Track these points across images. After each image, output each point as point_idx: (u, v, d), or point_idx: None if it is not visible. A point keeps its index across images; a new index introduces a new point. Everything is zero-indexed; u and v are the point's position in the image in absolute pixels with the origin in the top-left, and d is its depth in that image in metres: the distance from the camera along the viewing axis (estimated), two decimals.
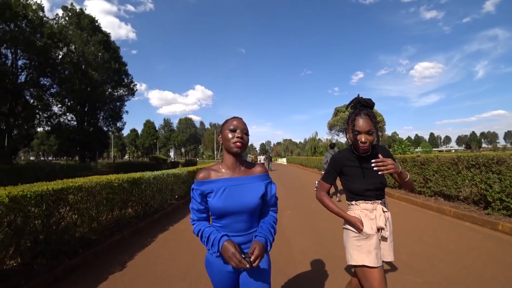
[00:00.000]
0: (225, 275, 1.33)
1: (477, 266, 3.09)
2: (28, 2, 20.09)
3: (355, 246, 1.61)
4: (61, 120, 24.70)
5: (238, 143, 1.30)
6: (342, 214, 1.67)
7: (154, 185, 6.00)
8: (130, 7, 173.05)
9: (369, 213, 1.63)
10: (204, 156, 79.01)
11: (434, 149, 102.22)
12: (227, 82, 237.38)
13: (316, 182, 9.62)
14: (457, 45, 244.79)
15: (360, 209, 1.65)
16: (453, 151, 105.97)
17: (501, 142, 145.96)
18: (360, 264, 1.57)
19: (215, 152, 63.34)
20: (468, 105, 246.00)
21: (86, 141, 25.95)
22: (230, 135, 1.32)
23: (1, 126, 19.30)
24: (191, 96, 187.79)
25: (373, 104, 1.64)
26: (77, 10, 26.13)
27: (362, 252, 1.58)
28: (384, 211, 1.62)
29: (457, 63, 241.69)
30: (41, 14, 20.96)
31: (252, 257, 1.18)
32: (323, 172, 9.55)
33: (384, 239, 1.63)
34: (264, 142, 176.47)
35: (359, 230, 1.58)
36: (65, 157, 47.34)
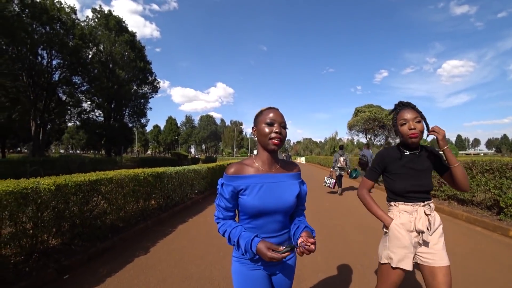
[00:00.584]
0: (259, 280, 1.23)
1: (478, 268, 3.17)
2: (62, 5, 21.49)
3: (388, 246, 1.58)
4: (90, 116, 26.30)
5: (275, 140, 1.19)
6: (380, 214, 1.64)
7: (176, 180, 6.42)
8: (155, 6, 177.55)
9: (409, 215, 1.57)
10: (224, 153, 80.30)
11: (461, 152, 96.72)
12: (248, 79, 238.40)
13: (326, 178, 9.28)
14: (490, 42, 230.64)
15: (399, 211, 1.60)
16: (482, 154, 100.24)
17: None
18: (384, 261, 1.58)
19: (235, 150, 64.21)
20: (501, 106, 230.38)
21: (112, 136, 27.45)
22: (267, 130, 1.20)
23: (37, 121, 20.83)
24: (212, 93, 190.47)
25: (414, 105, 1.63)
26: (106, 12, 27.63)
27: (392, 251, 1.55)
28: (427, 214, 1.54)
29: (490, 61, 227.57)
30: (73, 17, 22.37)
31: (310, 241, 1.10)
32: (331, 170, 9.64)
33: (425, 243, 1.54)
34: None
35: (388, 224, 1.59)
36: (91, 151, 50.05)
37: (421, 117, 1.54)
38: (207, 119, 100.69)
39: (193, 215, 6.05)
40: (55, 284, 2.84)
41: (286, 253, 1.06)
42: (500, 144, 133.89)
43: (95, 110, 26.69)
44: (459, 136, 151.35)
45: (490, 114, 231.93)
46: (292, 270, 1.34)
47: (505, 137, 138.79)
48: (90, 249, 3.55)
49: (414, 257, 1.55)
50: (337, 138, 46.05)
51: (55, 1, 21.32)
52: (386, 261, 1.56)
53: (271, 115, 1.22)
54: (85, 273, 3.09)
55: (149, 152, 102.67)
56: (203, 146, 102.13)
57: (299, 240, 1.14)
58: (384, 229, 1.66)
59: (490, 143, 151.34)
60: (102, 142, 28.41)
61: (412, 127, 1.51)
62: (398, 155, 1.63)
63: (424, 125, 1.55)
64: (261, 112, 1.28)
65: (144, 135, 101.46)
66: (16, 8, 18.72)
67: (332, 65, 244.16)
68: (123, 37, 26.92)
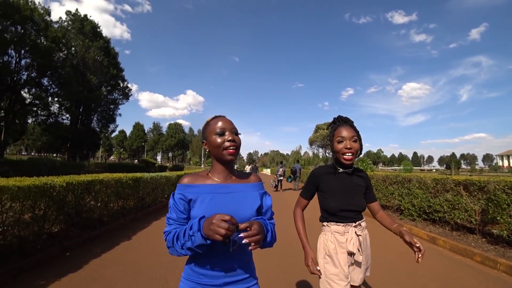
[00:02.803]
0: None
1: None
2: (35, 6, 21.35)
3: (324, 275, 1.53)
4: (58, 119, 25.69)
5: (230, 149, 1.09)
6: (304, 243, 1.55)
7: (150, 185, 7.42)
8: (128, 7, 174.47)
9: (340, 236, 1.54)
10: (191, 162, 79.83)
11: (416, 167, 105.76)
12: (219, 89, 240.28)
13: (271, 181, 14.91)
14: (443, 69, 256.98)
15: (331, 231, 1.57)
16: (434, 170, 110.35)
17: (480, 164, 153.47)
18: None
19: (203, 159, 64.53)
20: (452, 127, 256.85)
21: (78, 140, 26.91)
22: (219, 140, 1.09)
23: (0, 122, 20.16)
24: (181, 100, 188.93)
25: (352, 122, 1.61)
26: (81, 16, 27.53)
27: (336, 281, 1.48)
28: (358, 234, 1.52)
29: (442, 86, 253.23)
30: (47, 18, 22.23)
31: (244, 225, 0.93)
32: (275, 176, 14.10)
33: (357, 263, 1.55)
34: (252, 152, 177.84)
35: (308, 268, 1.47)
36: (53, 154, 47.52)
37: (357, 136, 1.53)
38: (176, 127, 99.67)
39: (164, 214, 7.04)
40: (60, 259, 3.79)
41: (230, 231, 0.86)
42: (449, 161, 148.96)
43: (63, 114, 26.17)
44: (415, 153, 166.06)
45: (442, 133, 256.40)
46: None
47: (453, 155, 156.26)
48: (84, 235, 4.51)
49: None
50: (301, 151, 48.76)
51: (28, 1, 21.15)
52: None
53: (219, 123, 1.12)
54: (83, 251, 4.07)
55: (112, 157, 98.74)
56: (170, 154, 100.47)
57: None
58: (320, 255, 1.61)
59: (442, 160, 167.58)
60: (68, 145, 27.70)
61: (349, 146, 1.49)
62: (332, 173, 1.60)
63: (359, 145, 1.53)
64: (208, 124, 1.17)
65: (109, 140, 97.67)
66: None
67: (302, 80, 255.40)
68: (97, 42, 26.99)
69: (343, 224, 1.54)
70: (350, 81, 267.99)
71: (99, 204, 5.13)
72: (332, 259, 1.53)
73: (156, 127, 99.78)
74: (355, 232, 1.53)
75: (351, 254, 1.53)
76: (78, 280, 3.12)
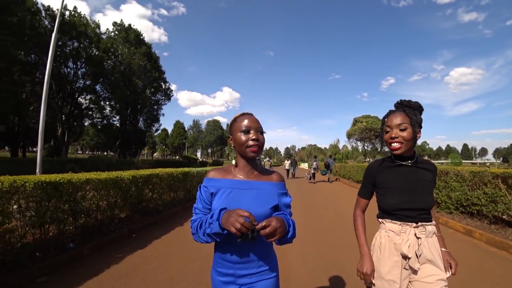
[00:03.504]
0: None
1: None
2: (87, 21, 23.87)
3: (377, 275, 1.38)
4: (111, 121, 28.71)
5: (254, 148, 1.14)
6: (362, 249, 1.42)
7: (196, 178, 8.20)
8: (164, 11, 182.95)
9: (395, 236, 1.37)
10: (230, 157, 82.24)
11: (466, 161, 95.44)
12: (254, 84, 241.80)
13: (306, 174, 15.89)
14: (499, 50, 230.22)
15: (386, 229, 1.42)
16: (488, 164, 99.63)
17: None
18: None
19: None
20: (510, 115, 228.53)
21: (128, 139, 29.64)
22: (243, 138, 1.14)
23: (64, 125, 23.09)
24: (218, 97, 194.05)
25: (418, 106, 1.41)
26: (126, 26, 30.03)
27: (382, 283, 1.35)
28: (417, 237, 1.32)
29: (498, 69, 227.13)
30: (97, 31, 24.72)
31: (264, 223, 0.96)
32: (309, 169, 14.98)
33: (413, 271, 1.32)
34: (289, 146, 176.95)
35: (360, 274, 1.38)
36: (104, 152, 52.57)
37: (410, 123, 1.34)
38: (214, 124, 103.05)
39: None
40: (129, 239, 4.58)
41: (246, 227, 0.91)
42: (507, 154, 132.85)
43: (114, 116, 29.04)
44: (465, 145, 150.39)
45: (499, 123, 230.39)
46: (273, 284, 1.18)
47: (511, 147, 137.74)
48: (145, 221, 5.32)
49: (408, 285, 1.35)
50: (339, 145, 47.60)
51: (81, 17, 23.67)
52: None
53: (246, 122, 1.16)
54: (145, 234, 4.84)
55: (155, 154, 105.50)
56: (209, 150, 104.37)
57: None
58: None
59: (498, 153, 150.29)
60: (118, 144, 30.68)
61: (393, 135, 1.35)
62: (389, 166, 1.45)
63: (412, 134, 1.33)
64: (235, 120, 1.21)
65: (152, 138, 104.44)
66: (48, 25, 21.06)
67: (339, 71, 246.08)
68: (141, 49, 29.32)
69: (400, 222, 1.37)
70: (391, 70, 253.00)
71: (155, 195, 5.93)
72: (382, 261, 1.37)
73: (196, 124, 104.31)
74: (415, 234, 1.33)
75: (405, 257, 1.33)
76: (146, 255, 3.82)
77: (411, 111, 1.37)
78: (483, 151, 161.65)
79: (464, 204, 5.50)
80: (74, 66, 23.29)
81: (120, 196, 4.78)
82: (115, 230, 4.59)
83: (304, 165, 57.05)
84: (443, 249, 1.38)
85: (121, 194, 4.77)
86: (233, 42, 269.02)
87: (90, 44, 23.40)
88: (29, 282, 2.88)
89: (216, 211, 1.03)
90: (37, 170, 6.78)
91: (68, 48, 21.58)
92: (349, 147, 45.24)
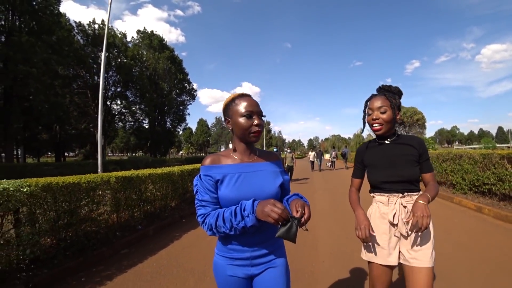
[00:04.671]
0: (236, 283, 1.14)
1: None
2: (115, 32, 25.63)
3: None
4: (142, 124, 30.85)
5: (257, 133, 1.12)
6: (356, 213, 1.54)
7: None
8: (179, 12, 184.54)
9: (383, 206, 1.51)
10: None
11: (502, 145, 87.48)
12: (274, 78, 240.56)
13: (327, 163, 18.29)
14: None
15: (376, 202, 1.57)
16: None
17: None
18: (367, 260, 1.52)
19: (264, 148, 66.93)
20: None
21: (157, 139, 31.58)
22: (246, 123, 1.10)
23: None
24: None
25: (398, 91, 1.56)
26: (149, 32, 31.71)
27: (371, 248, 1.49)
28: (404, 206, 1.45)
29: None
30: (124, 40, 26.47)
31: (299, 214, 0.97)
32: (328, 158, 17.92)
33: (403, 237, 1.44)
34: (312, 138, 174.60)
35: (358, 235, 1.45)
36: (134, 153, 55.98)
37: (390, 106, 1.46)
38: None
39: None
40: (180, 223, 5.44)
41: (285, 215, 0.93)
42: None
43: (144, 119, 31.09)
44: (500, 128, 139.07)
45: None
46: (279, 279, 1.16)
47: None
48: (191, 208, 6.25)
49: (399, 253, 1.46)
50: (363, 134, 46.92)
51: (109, 29, 25.44)
52: (363, 257, 1.55)
53: (247, 105, 1.11)
54: (192, 220, 5.65)
55: (181, 152, 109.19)
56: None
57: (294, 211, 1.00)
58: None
59: None
60: (148, 144, 32.79)
61: (374, 117, 1.47)
62: (373, 146, 1.60)
63: (391, 116, 1.46)
64: (233, 102, 1.15)
65: (177, 137, 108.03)
66: (80, 40, 22.98)
67: (360, 58, 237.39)
68: (164, 53, 30.89)
69: (387, 194, 1.50)
70: (415, 52, 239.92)
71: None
72: (374, 230, 1.49)
73: (219, 121, 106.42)
74: (401, 203, 1.46)
75: (393, 225, 1.47)
76: (199, 234, 4.67)
77: (391, 95, 1.51)
78: None
79: (476, 184, 5.92)
80: (106, 75, 25.25)
81: (171, 188, 5.74)
82: (169, 216, 5.55)
83: (327, 157, 56.85)
84: (419, 200, 1.32)
85: (172, 186, 5.73)
86: (250, 36, 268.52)
87: (118, 53, 25.18)
88: (116, 253, 3.83)
89: (248, 204, 0.99)
90: (99, 170, 7.98)
91: (100, 59, 23.44)
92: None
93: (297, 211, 0.97)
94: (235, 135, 1.17)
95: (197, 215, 1.11)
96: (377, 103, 1.47)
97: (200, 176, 1.13)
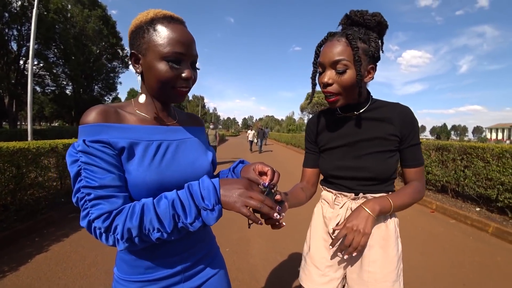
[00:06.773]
0: None
1: None
2: None
3: (303, 257, 1.09)
4: (65, 89, 27.21)
5: (185, 89, 0.71)
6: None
7: None
8: None
9: (328, 208, 1.03)
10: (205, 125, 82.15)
11: None
12: (213, 53, 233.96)
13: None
14: (446, 37, 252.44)
15: (321, 199, 1.09)
16: (425, 139, 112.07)
17: (470, 136, 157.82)
18: (300, 282, 1.06)
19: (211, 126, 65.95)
20: (449, 98, 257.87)
21: (83, 108, 28.47)
22: (170, 73, 0.67)
23: (12, 94, 21.70)
24: None
25: (377, 22, 0.92)
26: None
27: (306, 266, 1.06)
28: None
29: (444, 55, 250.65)
30: None
31: (274, 180, 0.71)
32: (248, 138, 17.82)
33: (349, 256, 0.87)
34: (246, 117, 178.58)
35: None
36: (50, 123, 49.30)
37: (354, 58, 0.84)
38: None
39: None
40: None
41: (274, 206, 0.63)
42: (440, 132, 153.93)
43: (68, 84, 27.46)
44: None
45: (438, 104, 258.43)
46: (224, 273, 0.89)
47: (444, 126, 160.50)
48: None
49: (344, 279, 1.01)
50: (294, 117, 51.42)
51: None
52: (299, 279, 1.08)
53: (176, 40, 0.66)
54: None
55: None
56: None
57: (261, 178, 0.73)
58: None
59: (433, 130, 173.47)
60: (72, 113, 29.46)
61: (326, 81, 0.88)
62: (329, 120, 1.05)
63: (355, 76, 0.85)
64: (152, 24, 0.67)
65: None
66: None
67: (299, 43, 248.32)
68: (96, 11, 27.28)
69: (335, 191, 1.02)
70: None
71: None
72: (312, 238, 1.07)
73: None
74: (351, 208, 0.96)
75: (331, 237, 1.00)
76: None
77: (362, 34, 0.88)
78: (422, 129, 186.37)
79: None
80: (20, 27, 21.44)
81: None
82: None
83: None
84: (364, 207, 0.88)
85: None
86: (192, 3, 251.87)
87: (41, 4, 21.47)
88: (64, 217, 4.15)
89: (206, 188, 0.61)
90: (29, 138, 7.55)
91: (13, 7, 19.74)
92: (305, 120, 49.03)
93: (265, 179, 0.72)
94: (147, 84, 0.73)
95: (88, 217, 0.59)
96: (332, 53, 0.87)
97: (84, 144, 0.61)
